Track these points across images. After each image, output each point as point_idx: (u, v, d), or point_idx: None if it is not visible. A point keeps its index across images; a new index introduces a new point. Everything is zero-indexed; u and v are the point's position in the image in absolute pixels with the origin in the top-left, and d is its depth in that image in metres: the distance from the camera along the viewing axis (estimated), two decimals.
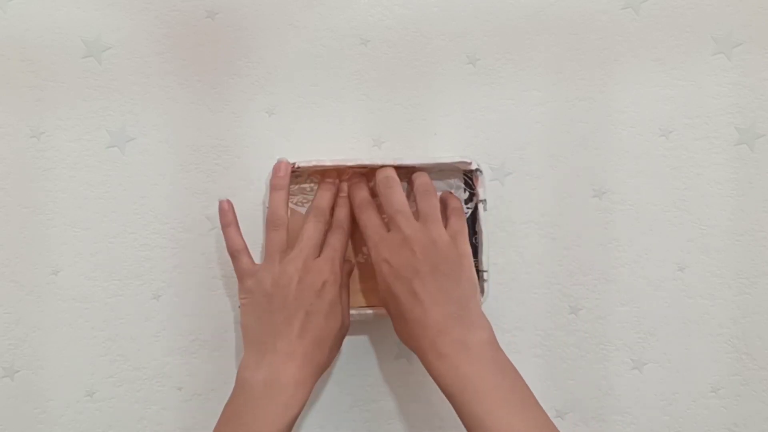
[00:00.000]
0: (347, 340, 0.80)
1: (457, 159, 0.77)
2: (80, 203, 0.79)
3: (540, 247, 0.80)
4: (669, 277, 0.82)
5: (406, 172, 0.77)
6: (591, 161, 0.81)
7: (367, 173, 0.78)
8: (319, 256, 0.73)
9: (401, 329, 0.71)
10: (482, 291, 0.77)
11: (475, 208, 0.78)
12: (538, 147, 0.81)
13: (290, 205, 0.78)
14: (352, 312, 0.77)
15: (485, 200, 0.77)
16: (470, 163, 0.77)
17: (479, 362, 0.67)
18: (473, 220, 0.78)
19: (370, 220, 0.74)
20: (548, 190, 0.81)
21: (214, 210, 0.79)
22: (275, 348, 0.70)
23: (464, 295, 0.70)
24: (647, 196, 0.81)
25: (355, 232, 0.78)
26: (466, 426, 0.66)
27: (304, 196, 0.79)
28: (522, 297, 0.81)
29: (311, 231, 0.74)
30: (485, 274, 0.77)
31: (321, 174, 0.78)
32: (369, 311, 0.78)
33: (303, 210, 0.79)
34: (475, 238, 0.78)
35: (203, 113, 0.79)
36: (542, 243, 0.81)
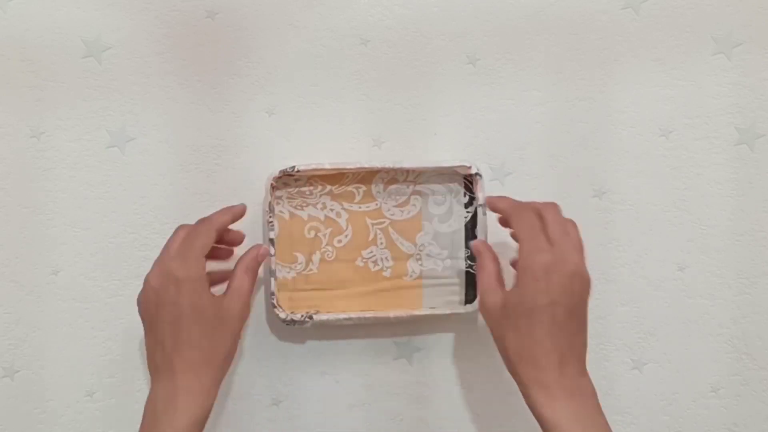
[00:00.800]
0: (347, 340, 0.80)
1: (456, 163, 0.77)
2: (80, 203, 0.79)
3: None
4: (669, 277, 0.82)
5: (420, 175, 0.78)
6: (591, 161, 0.81)
7: (366, 175, 0.78)
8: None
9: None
10: None
11: (475, 212, 0.78)
12: (538, 147, 0.81)
13: (290, 208, 0.78)
14: (351, 316, 0.77)
15: (485, 204, 0.77)
16: (470, 168, 0.77)
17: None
18: (473, 224, 0.78)
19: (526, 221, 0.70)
20: (548, 190, 0.81)
21: (214, 210, 0.79)
22: (156, 367, 0.70)
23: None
24: (647, 196, 0.81)
25: (355, 234, 0.78)
26: None
27: (304, 199, 0.79)
28: None
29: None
30: None
31: (320, 177, 0.78)
32: (368, 315, 0.78)
33: (303, 214, 0.79)
34: None
35: (203, 113, 0.79)
36: None
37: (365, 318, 0.78)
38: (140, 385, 0.80)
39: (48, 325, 0.79)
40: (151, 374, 0.71)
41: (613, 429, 0.82)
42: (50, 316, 0.79)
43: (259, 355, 0.80)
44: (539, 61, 0.80)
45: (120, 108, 0.79)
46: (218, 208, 0.79)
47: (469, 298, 0.79)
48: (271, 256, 0.76)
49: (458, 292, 0.80)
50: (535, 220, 0.69)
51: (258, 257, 0.73)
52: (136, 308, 0.71)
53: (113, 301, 0.79)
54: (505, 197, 0.74)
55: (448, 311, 0.79)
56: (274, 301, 0.76)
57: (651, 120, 0.81)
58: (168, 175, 0.79)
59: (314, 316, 0.77)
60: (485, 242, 0.75)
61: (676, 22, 0.80)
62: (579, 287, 0.68)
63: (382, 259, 0.79)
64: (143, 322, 0.72)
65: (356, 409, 0.81)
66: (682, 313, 0.82)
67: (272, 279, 0.76)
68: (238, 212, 0.75)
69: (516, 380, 0.68)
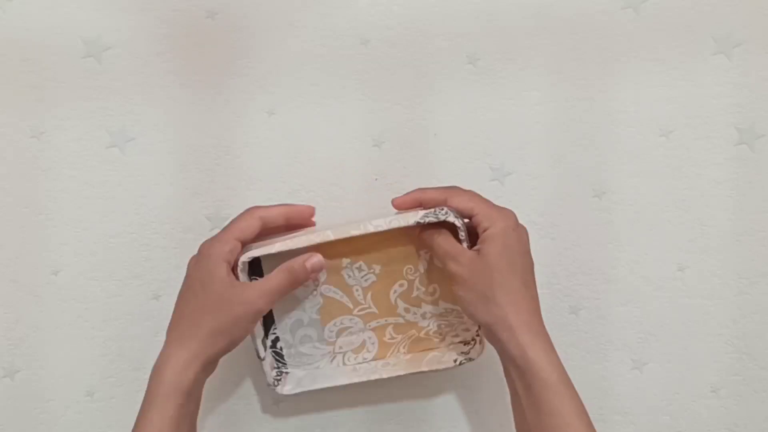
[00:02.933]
0: None
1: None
2: (80, 203, 0.79)
3: (540, 247, 0.80)
4: (669, 277, 0.82)
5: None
6: (591, 161, 0.81)
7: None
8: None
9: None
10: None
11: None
12: (538, 147, 0.81)
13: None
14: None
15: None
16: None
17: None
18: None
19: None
20: (548, 190, 0.81)
21: (214, 210, 0.79)
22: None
23: None
24: (647, 196, 0.81)
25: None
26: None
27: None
28: None
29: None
30: None
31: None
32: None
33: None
34: None
35: (203, 113, 0.79)
36: (542, 243, 0.81)
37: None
38: (140, 385, 0.80)
39: (48, 325, 0.79)
40: None
41: (613, 429, 0.82)
42: (50, 316, 0.79)
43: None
44: (539, 61, 0.80)
45: (120, 108, 0.79)
46: (218, 208, 0.79)
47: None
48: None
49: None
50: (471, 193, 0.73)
51: (308, 264, 0.72)
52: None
53: (113, 301, 0.79)
54: (422, 189, 0.74)
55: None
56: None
57: (651, 120, 0.81)
58: (168, 175, 0.79)
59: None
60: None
61: (676, 22, 0.80)
62: (527, 238, 0.72)
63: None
64: None
65: (356, 409, 0.81)
66: (682, 313, 0.82)
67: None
68: (295, 211, 0.75)
69: (502, 327, 0.68)
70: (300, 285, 0.73)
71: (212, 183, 0.79)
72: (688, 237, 0.81)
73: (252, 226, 0.72)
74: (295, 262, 0.72)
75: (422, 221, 0.71)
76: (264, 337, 0.75)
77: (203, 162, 0.79)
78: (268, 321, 0.76)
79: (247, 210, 0.73)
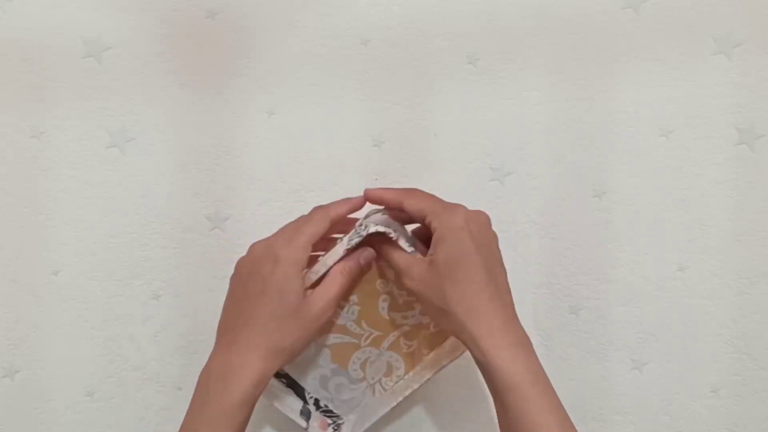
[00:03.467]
0: None
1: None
2: (80, 203, 0.79)
3: (540, 247, 0.80)
4: (669, 277, 0.82)
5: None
6: (591, 161, 0.81)
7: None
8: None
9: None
10: None
11: None
12: (538, 147, 0.81)
13: None
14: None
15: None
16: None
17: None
18: None
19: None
20: (548, 190, 0.81)
21: (214, 210, 0.79)
22: (224, 332, 0.71)
23: None
24: (647, 196, 0.81)
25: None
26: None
27: None
28: (522, 297, 0.81)
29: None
30: None
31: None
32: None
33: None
34: None
35: (203, 113, 0.79)
36: (542, 243, 0.81)
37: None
38: (140, 385, 0.80)
39: (48, 325, 0.79)
40: (217, 337, 0.70)
41: (613, 429, 0.82)
42: (50, 316, 0.79)
43: None
44: (539, 61, 0.80)
45: (120, 108, 0.79)
46: (218, 208, 0.79)
47: None
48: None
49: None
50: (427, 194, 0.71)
51: (360, 260, 0.71)
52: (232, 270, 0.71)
53: (113, 301, 0.79)
54: (384, 189, 0.72)
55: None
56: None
57: (651, 120, 0.81)
58: (168, 175, 0.79)
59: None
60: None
61: (676, 22, 0.80)
62: (491, 234, 0.69)
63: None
64: (230, 285, 0.71)
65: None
66: (682, 313, 0.82)
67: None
68: (357, 203, 0.73)
69: (464, 337, 0.67)
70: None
71: (212, 183, 0.79)
72: (688, 237, 0.81)
73: (323, 228, 0.70)
74: (350, 263, 0.70)
75: (350, 246, 0.70)
76: (304, 404, 0.75)
77: (203, 162, 0.79)
78: (298, 388, 0.76)
79: (317, 212, 0.71)
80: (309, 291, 0.69)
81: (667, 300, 0.82)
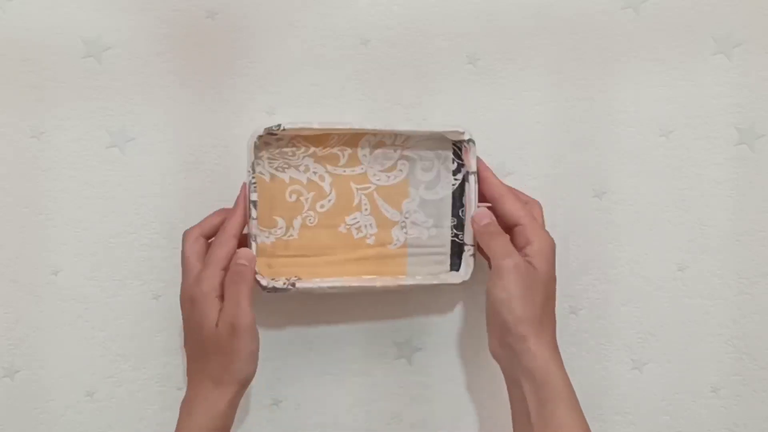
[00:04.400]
0: (347, 340, 0.80)
1: (449, 128, 0.76)
2: (80, 203, 0.79)
3: None
4: (669, 277, 0.82)
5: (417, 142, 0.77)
6: (591, 161, 0.81)
7: (351, 138, 0.76)
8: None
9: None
10: (468, 266, 0.76)
11: (463, 180, 0.77)
12: (538, 147, 0.81)
13: (271, 170, 0.76)
14: (336, 284, 0.75)
15: (476, 172, 0.76)
16: (463, 133, 0.75)
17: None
18: (460, 193, 0.77)
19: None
20: (548, 190, 0.81)
21: (214, 210, 0.79)
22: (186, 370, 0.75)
23: None
24: (647, 196, 0.81)
25: (338, 199, 0.77)
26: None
27: (285, 160, 0.76)
28: None
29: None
30: (470, 249, 0.77)
31: (304, 138, 0.76)
32: (354, 284, 0.76)
33: (285, 176, 0.76)
34: (462, 212, 0.77)
35: (203, 113, 0.79)
36: None
37: (351, 287, 0.75)
38: (140, 385, 0.80)
39: (48, 325, 0.79)
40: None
41: (613, 429, 0.82)
42: (50, 316, 0.79)
43: (259, 355, 0.80)
44: (539, 61, 0.80)
45: (120, 108, 0.79)
46: (218, 208, 0.79)
47: (455, 267, 0.78)
48: (253, 219, 0.73)
49: (443, 261, 0.79)
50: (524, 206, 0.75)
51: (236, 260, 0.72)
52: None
53: (113, 301, 0.79)
54: (492, 222, 0.74)
55: (435, 281, 0.77)
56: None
57: (651, 120, 0.81)
58: (168, 175, 0.79)
59: (297, 284, 0.74)
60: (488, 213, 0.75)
61: (676, 22, 0.80)
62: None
63: (366, 226, 0.78)
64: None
65: (356, 409, 0.81)
66: (682, 313, 0.82)
67: (253, 244, 0.73)
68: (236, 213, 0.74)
69: (526, 334, 0.70)
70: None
71: (212, 183, 0.79)
72: (688, 237, 0.81)
73: (233, 249, 0.72)
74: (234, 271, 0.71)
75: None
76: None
77: (203, 162, 0.79)
78: None
79: (219, 235, 0.73)
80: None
81: (667, 300, 0.82)
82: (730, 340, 0.82)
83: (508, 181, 0.80)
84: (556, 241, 0.74)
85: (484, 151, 0.80)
